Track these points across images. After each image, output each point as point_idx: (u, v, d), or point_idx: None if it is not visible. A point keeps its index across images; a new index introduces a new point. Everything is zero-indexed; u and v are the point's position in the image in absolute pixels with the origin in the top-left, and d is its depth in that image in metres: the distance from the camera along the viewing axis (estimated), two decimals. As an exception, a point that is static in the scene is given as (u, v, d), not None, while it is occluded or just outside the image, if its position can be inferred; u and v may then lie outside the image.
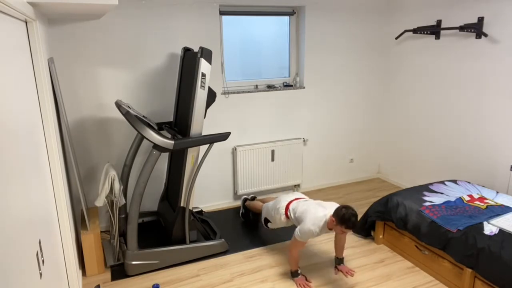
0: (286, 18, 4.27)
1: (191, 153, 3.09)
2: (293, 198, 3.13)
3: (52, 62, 2.81)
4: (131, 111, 2.91)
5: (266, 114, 4.23)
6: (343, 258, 3.01)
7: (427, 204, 3.11)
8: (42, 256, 1.55)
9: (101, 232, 3.64)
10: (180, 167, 3.20)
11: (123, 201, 3.12)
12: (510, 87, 3.43)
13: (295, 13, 4.24)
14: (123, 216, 3.46)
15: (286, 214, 3.05)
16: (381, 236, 3.46)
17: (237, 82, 4.14)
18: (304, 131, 4.49)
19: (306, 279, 2.90)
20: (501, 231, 2.63)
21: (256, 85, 4.23)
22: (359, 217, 3.96)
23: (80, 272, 2.94)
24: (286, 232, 3.63)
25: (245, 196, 3.97)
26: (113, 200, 3.06)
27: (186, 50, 3.37)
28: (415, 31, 4.14)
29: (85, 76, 3.40)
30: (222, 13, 3.89)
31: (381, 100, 4.84)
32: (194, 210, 4.07)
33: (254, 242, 3.52)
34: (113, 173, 2.96)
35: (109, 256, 3.25)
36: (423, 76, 4.26)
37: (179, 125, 3.32)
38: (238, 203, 4.30)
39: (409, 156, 4.59)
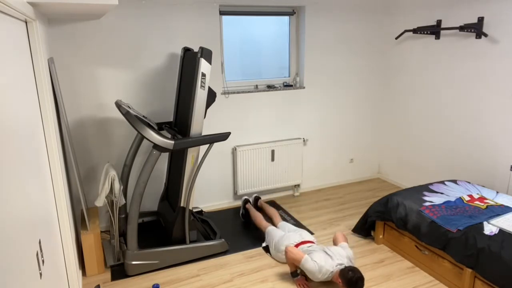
0: (286, 18, 4.27)
1: (191, 153, 3.09)
2: (300, 241, 3.09)
3: (52, 62, 2.81)
4: (131, 111, 2.91)
5: (266, 114, 4.23)
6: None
7: (427, 204, 3.11)
8: (42, 256, 1.55)
9: (101, 232, 3.64)
10: (180, 167, 3.20)
11: (123, 201, 3.12)
12: (510, 87, 3.43)
13: (295, 13, 4.24)
14: (123, 216, 3.46)
15: None
16: (381, 236, 3.46)
17: (237, 82, 4.14)
18: (304, 131, 4.49)
19: (306, 279, 2.90)
20: (501, 231, 2.63)
21: (256, 85, 4.23)
22: (359, 217, 3.97)
23: (80, 272, 2.94)
24: (286, 232, 3.63)
25: (246, 197, 3.97)
26: (113, 200, 3.06)
27: (186, 50, 3.37)
28: (415, 31, 4.14)
29: (85, 76, 3.40)
30: (222, 13, 3.89)
31: (381, 100, 4.84)
32: (194, 210, 4.07)
33: (254, 242, 3.52)
34: (113, 173, 2.96)
35: (109, 256, 3.25)
36: (423, 76, 4.26)
37: (179, 125, 3.32)
38: (238, 203, 4.30)
39: (409, 156, 4.59)
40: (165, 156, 3.86)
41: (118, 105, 2.96)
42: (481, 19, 3.56)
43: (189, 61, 3.20)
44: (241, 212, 3.94)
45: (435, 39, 4.04)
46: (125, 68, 3.52)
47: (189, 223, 3.22)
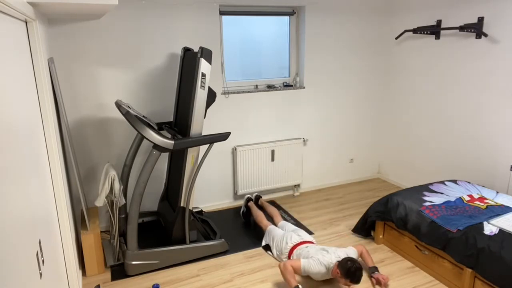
0: (286, 18, 4.27)
1: (191, 153, 3.09)
2: (299, 241, 3.09)
3: (52, 62, 2.81)
4: (131, 111, 2.91)
5: (266, 114, 4.23)
6: (375, 267, 2.95)
7: (427, 204, 3.11)
8: (42, 256, 1.55)
9: (101, 232, 3.64)
10: (180, 167, 3.20)
11: (123, 201, 3.12)
12: (510, 87, 3.43)
13: (295, 13, 4.24)
14: (123, 216, 3.46)
15: (289, 257, 3.07)
16: (381, 236, 3.46)
17: (237, 82, 4.14)
18: (304, 131, 4.49)
19: None
20: (501, 231, 2.63)
21: (256, 85, 4.23)
22: (359, 217, 3.97)
23: (80, 272, 2.94)
24: (286, 232, 3.63)
25: (248, 196, 3.97)
26: (113, 200, 3.06)
27: (186, 50, 3.37)
28: (415, 31, 4.14)
29: (85, 76, 3.40)
30: (222, 13, 3.89)
31: (381, 100, 4.84)
32: (194, 210, 4.07)
33: (254, 242, 3.52)
34: (113, 173, 2.96)
35: (109, 256, 3.25)
36: (423, 76, 4.26)
37: (179, 125, 3.32)
38: (238, 203, 4.30)
39: (409, 156, 4.59)
40: (165, 156, 3.86)
41: (118, 105, 2.96)
42: (481, 19, 3.56)
43: (189, 61, 3.20)
44: (242, 210, 3.94)
45: (435, 39, 4.04)
46: (125, 68, 3.52)
47: (189, 223, 3.22)
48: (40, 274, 1.47)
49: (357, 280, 2.61)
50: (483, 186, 3.52)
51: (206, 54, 2.92)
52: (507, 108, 3.47)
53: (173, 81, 3.73)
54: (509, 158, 3.51)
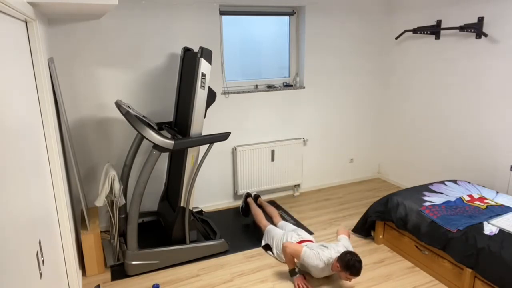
0: (286, 18, 4.27)
1: (191, 153, 3.09)
2: (299, 240, 3.10)
3: (52, 62, 2.81)
4: (131, 111, 2.91)
5: (266, 114, 4.23)
6: None
7: (427, 204, 3.11)
8: (42, 256, 1.55)
9: (101, 232, 3.64)
10: (180, 167, 3.20)
11: (123, 201, 3.12)
12: (510, 87, 3.43)
13: (295, 13, 4.25)
14: (123, 216, 3.46)
15: None
16: (381, 236, 3.46)
17: (237, 82, 4.14)
18: (304, 131, 4.49)
19: (304, 278, 2.90)
20: (501, 231, 2.63)
21: (256, 85, 4.23)
22: (359, 217, 3.97)
23: (80, 272, 2.94)
24: (286, 232, 3.63)
25: (248, 191, 3.97)
26: (113, 200, 3.06)
27: (186, 50, 3.37)
28: (415, 31, 4.14)
29: (85, 76, 3.40)
30: (222, 13, 3.89)
31: (381, 100, 4.84)
32: (194, 210, 4.07)
33: (254, 242, 3.52)
34: (113, 173, 2.96)
35: (109, 256, 3.25)
36: (423, 76, 4.26)
37: (179, 125, 3.32)
38: (238, 203, 4.30)
39: (409, 156, 4.59)
40: (165, 156, 3.86)
41: (118, 105, 2.96)
42: (481, 19, 3.56)
43: (189, 61, 3.20)
44: (241, 205, 3.93)
45: (435, 39, 4.04)
46: (125, 68, 3.52)
47: (189, 223, 3.22)
48: (40, 274, 1.47)
49: (356, 272, 2.62)
50: (483, 186, 3.52)
51: (206, 54, 2.92)
52: (507, 108, 3.47)
53: (173, 81, 3.73)
54: (509, 158, 3.51)
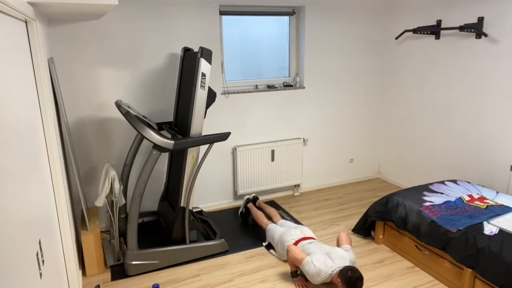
0: (286, 18, 4.27)
1: (191, 153, 3.09)
2: (301, 237, 3.10)
3: (52, 62, 2.81)
4: (131, 111, 2.91)
5: (266, 114, 4.23)
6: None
7: (427, 204, 3.11)
8: (42, 256, 1.55)
9: (101, 232, 3.64)
10: (180, 167, 3.20)
11: (123, 201, 3.12)
12: (510, 87, 3.43)
13: (295, 13, 4.25)
14: (123, 216, 3.46)
15: None
16: (381, 236, 3.46)
17: (237, 82, 4.14)
18: (304, 131, 4.49)
19: (305, 280, 2.90)
20: (501, 231, 2.63)
21: (256, 85, 4.23)
22: (359, 217, 3.97)
23: (80, 272, 2.94)
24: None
25: (247, 197, 3.97)
26: (113, 200, 3.06)
27: (186, 50, 3.37)
28: (415, 31, 4.14)
29: (85, 76, 3.40)
30: (222, 13, 3.89)
31: (381, 100, 4.84)
32: (194, 210, 4.07)
33: (254, 242, 3.52)
34: (113, 173, 2.96)
35: (109, 256, 3.25)
36: (423, 76, 4.26)
37: (179, 125, 3.32)
38: (238, 203, 4.30)
39: (409, 156, 4.59)
40: (165, 156, 3.86)
41: (118, 105, 2.96)
42: (481, 19, 3.56)
43: (189, 61, 3.20)
44: (240, 210, 3.93)
45: (435, 39, 4.04)
46: (125, 68, 3.52)
47: (189, 223, 3.22)
48: (40, 274, 1.47)
49: None
50: (483, 186, 3.52)
51: (206, 54, 2.92)
52: (507, 108, 3.47)
53: (173, 81, 3.73)
54: (509, 158, 3.51)
